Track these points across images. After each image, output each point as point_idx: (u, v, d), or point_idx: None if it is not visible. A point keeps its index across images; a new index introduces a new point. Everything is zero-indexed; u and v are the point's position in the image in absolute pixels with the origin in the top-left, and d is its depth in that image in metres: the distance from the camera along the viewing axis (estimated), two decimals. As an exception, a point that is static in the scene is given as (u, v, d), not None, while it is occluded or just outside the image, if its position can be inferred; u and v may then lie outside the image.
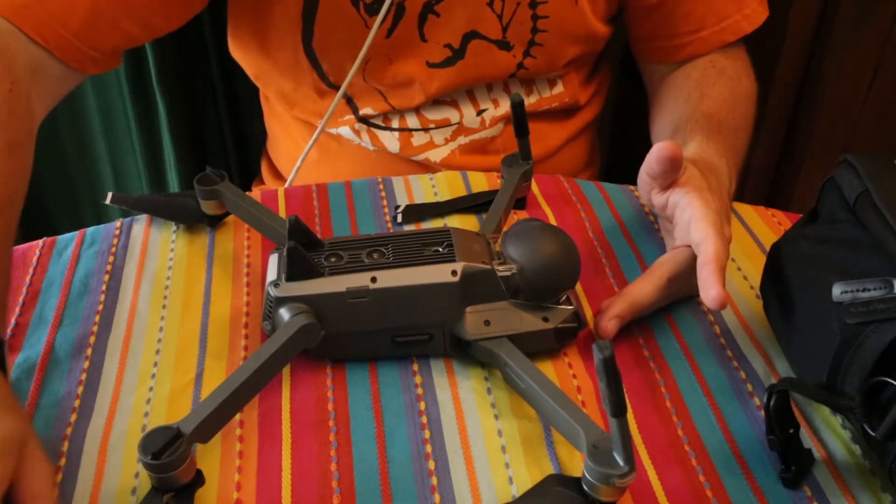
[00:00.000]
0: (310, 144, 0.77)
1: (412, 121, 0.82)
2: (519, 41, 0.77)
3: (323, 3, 0.73)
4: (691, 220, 0.53)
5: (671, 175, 0.54)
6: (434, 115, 0.81)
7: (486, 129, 0.82)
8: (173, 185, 1.04)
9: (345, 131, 0.83)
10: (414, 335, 0.51)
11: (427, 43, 0.76)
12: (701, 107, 0.71)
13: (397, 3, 0.73)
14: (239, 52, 0.83)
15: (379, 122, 0.82)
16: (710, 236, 0.51)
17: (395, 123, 0.82)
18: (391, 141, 0.82)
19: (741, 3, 0.79)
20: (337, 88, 0.80)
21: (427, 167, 0.83)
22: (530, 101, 0.83)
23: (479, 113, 0.82)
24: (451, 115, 0.81)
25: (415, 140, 0.82)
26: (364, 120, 0.82)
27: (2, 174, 0.57)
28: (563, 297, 0.52)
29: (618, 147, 1.09)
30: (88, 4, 0.65)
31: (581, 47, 0.81)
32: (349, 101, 0.81)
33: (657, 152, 0.53)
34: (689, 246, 0.54)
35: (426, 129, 0.82)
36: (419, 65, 0.77)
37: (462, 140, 0.83)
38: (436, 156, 0.83)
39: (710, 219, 0.52)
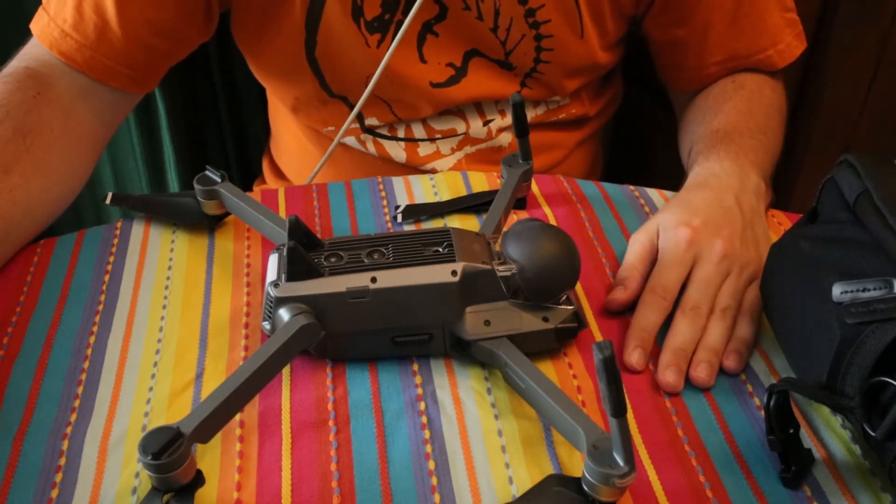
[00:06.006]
0: (323, 160, 0.77)
1: (418, 131, 0.81)
2: (521, 65, 0.77)
3: (325, 16, 0.73)
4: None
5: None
6: (440, 126, 0.81)
7: (492, 139, 0.82)
8: (173, 185, 1.04)
9: (350, 140, 0.83)
10: (414, 335, 0.51)
11: (427, 64, 0.76)
12: (712, 125, 0.71)
13: (397, 20, 0.73)
14: (245, 54, 0.82)
15: (384, 131, 0.82)
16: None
17: (400, 133, 0.81)
18: (397, 151, 0.82)
19: (776, 37, 0.77)
20: (339, 97, 0.79)
21: None
22: (537, 112, 0.82)
23: (486, 123, 0.81)
24: (458, 125, 0.81)
25: (421, 150, 0.82)
26: (370, 130, 0.82)
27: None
28: (563, 297, 0.52)
29: (618, 150, 1.08)
30: (118, 26, 0.66)
31: (583, 78, 0.80)
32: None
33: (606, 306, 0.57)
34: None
35: (432, 140, 0.81)
36: (422, 85, 0.77)
37: (469, 150, 0.82)
38: (442, 165, 0.82)
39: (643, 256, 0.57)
